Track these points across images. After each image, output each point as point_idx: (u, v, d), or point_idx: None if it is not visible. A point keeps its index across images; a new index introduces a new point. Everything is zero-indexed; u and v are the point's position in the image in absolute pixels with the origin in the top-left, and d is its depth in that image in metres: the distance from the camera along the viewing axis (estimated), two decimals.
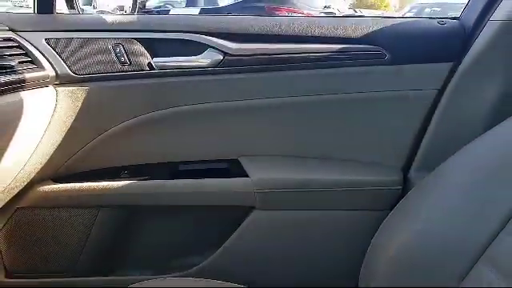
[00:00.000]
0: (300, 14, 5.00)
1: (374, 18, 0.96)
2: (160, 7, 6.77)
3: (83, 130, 0.91)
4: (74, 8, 0.99)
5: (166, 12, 6.26)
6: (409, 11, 8.64)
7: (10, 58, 0.76)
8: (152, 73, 0.88)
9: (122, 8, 1.37)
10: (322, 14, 5.45)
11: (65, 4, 0.98)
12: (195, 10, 5.79)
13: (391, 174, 0.93)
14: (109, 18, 0.91)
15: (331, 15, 4.80)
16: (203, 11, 5.76)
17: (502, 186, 0.62)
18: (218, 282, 0.84)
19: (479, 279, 0.60)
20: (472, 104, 0.88)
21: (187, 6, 6.69)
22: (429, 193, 0.75)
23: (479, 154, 0.70)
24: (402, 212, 0.78)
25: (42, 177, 0.94)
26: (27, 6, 1.19)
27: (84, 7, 1.06)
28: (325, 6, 6.28)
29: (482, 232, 0.62)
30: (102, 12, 1.14)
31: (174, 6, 7.52)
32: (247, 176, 0.93)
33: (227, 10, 5.73)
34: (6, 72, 0.73)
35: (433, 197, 0.74)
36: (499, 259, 0.58)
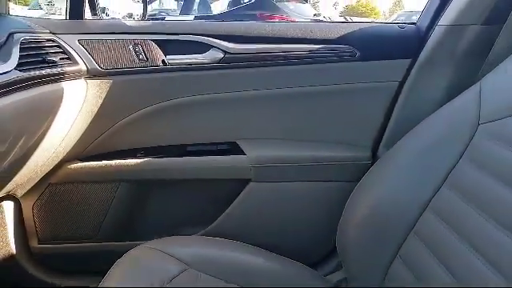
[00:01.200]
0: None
1: (346, 22, 1.15)
2: (155, 15, 6.94)
3: (107, 116, 1.09)
4: (96, 14, 1.18)
5: (162, 19, 6.43)
6: (396, 18, 8.91)
7: (52, 54, 0.94)
8: (165, 68, 1.07)
9: (130, 15, 1.57)
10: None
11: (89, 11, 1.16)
12: (189, 18, 5.98)
13: (362, 151, 1.12)
14: (128, 23, 1.10)
15: (312, 21, 5.02)
16: (197, 19, 5.95)
17: (442, 154, 0.81)
18: (226, 240, 1.03)
19: (426, 225, 0.79)
20: (426, 93, 1.06)
21: (181, 13, 6.87)
22: (388, 165, 0.95)
23: (427, 132, 0.89)
24: (368, 182, 0.97)
25: (70, 157, 1.12)
26: (59, 14, 1.35)
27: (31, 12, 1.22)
28: (314, 14, 6.51)
29: (427, 189, 0.81)
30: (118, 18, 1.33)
31: (168, 14, 7.70)
32: (244, 154, 1.12)
33: (220, 17, 5.93)
34: (50, 66, 0.92)
35: (390, 168, 0.93)
36: (440, 208, 0.77)
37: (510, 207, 0.62)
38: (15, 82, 0.78)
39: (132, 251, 0.92)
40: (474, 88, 0.85)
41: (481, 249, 0.65)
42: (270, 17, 5.16)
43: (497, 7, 0.96)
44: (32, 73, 0.83)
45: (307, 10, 6.47)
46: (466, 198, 0.72)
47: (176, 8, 7.59)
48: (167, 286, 0.82)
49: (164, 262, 0.88)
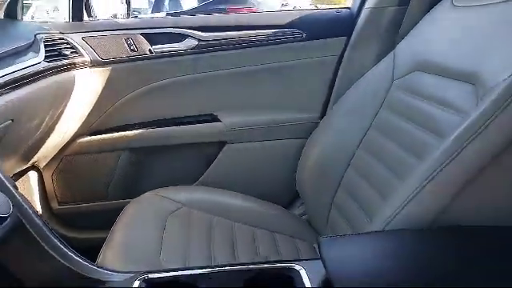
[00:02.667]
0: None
1: (294, 10, 1.44)
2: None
3: (108, 97, 1.35)
4: (91, 16, 1.44)
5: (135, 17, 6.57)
6: None
7: (64, 49, 1.20)
8: (151, 56, 1.34)
9: (115, 15, 1.82)
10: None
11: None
12: (161, 15, 6.17)
13: (313, 113, 1.41)
14: (120, 21, 1.37)
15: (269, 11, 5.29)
16: (169, 15, 6.13)
17: (368, 106, 1.11)
18: (211, 188, 1.31)
19: (359, 159, 1.09)
20: (359, 63, 1.35)
21: (153, 11, 7.03)
22: (329, 120, 1.25)
23: (355, 92, 1.19)
24: (315, 136, 1.27)
25: (80, 133, 1.38)
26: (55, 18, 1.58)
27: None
28: (282, 4, 6.77)
29: (358, 133, 1.11)
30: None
31: (140, 13, 7.84)
32: (221, 122, 1.40)
33: (191, 13, 6.14)
34: (64, 58, 1.18)
35: (331, 122, 1.23)
36: (369, 145, 1.06)
37: (411, 135, 0.91)
38: (43, 71, 1.04)
39: (137, 198, 1.19)
40: (390, 55, 1.15)
41: (393, 168, 0.91)
42: (238, 9, 5.40)
43: None
44: (53, 63, 1.10)
45: (274, 1, 6.73)
46: (385, 135, 1.02)
47: (148, 7, 7.72)
48: (166, 219, 1.08)
49: (163, 203, 1.15)
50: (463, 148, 0.65)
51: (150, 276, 0.75)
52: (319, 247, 0.61)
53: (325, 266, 0.57)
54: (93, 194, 1.43)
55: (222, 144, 1.41)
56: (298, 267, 0.76)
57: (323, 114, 1.41)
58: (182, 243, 0.99)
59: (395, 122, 1.00)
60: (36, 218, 0.70)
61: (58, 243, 0.72)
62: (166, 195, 1.18)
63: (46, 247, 0.70)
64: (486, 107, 0.65)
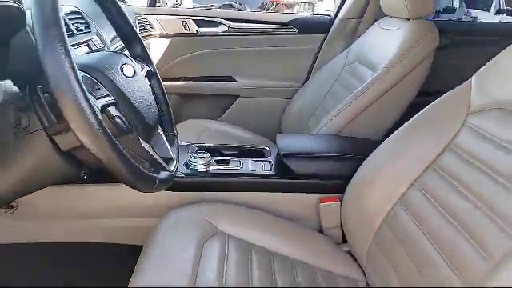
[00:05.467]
0: None
1: (292, 13, 2.17)
2: None
3: (167, 57, 2.09)
4: (158, 2, 2.17)
5: None
6: None
7: (146, 25, 1.94)
8: (196, 34, 2.08)
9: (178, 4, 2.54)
10: None
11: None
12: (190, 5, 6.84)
13: (299, 82, 2.14)
14: (179, 9, 2.10)
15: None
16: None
17: (326, 82, 1.85)
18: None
19: (324, 104, 1.84)
20: (330, 53, 2.06)
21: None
22: (305, 88, 1.98)
23: (323, 71, 1.93)
24: (296, 96, 2.01)
25: None
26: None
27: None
28: None
29: (322, 93, 1.85)
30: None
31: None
32: (236, 81, 2.15)
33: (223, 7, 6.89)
34: (145, 30, 1.92)
35: (306, 88, 1.97)
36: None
37: (354, 88, 1.66)
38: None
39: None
40: (346, 50, 1.87)
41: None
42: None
43: (361, 8, 1.98)
44: (140, 34, 1.84)
45: None
46: (341, 86, 1.78)
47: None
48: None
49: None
50: None
51: None
52: (276, 140, 1.32)
53: (277, 148, 1.27)
54: None
55: (236, 97, 2.16)
56: None
57: (304, 82, 2.14)
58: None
59: (345, 85, 1.71)
60: None
61: None
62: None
63: None
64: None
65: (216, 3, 7.96)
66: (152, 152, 0.78)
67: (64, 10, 1.26)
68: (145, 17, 2.00)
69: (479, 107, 0.88)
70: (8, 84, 0.60)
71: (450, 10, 4.82)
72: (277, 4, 7.75)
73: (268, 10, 8.03)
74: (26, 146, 0.68)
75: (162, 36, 2.04)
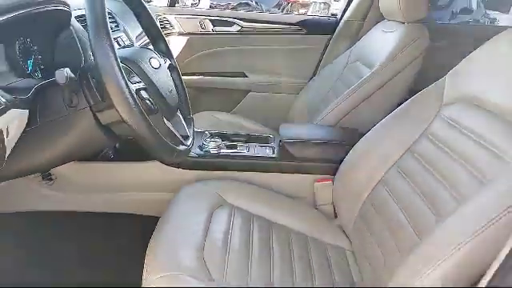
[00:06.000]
0: None
1: (300, 15, 2.34)
2: None
3: (185, 54, 2.28)
4: (178, 2, 2.36)
5: None
6: None
7: (166, 24, 2.13)
8: (212, 33, 2.27)
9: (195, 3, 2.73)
10: None
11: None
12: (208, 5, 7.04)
13: (306, 78, 2.30)
14: (196, 10, 2.29)
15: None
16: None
17: (331, 79, 2.02)
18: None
19: (329, 97, 2.00)
20: (335, 52, 2.22)
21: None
22: (311, 84, 2.15)
23: (328, 69, 2.09)
24: (302, 91, 2.17)
25: None
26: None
27: None
28: None
29: (327, 88, 2.02)
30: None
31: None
32: (247, 77, 2.33)
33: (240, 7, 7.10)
34: (165, 29, 2.11)
35: (311, 85, 2.13)
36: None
37: (352, 80, 1.82)
38: None
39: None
40: (349, 50, 2.03)
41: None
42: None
43: (365, 11, 2.14)
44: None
45: None
46: (341, 82, 1.95)
47: None
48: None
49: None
50: None
51: None
52: (279, 129, 1.49)
53: (280, 135, 1.44)
54: None
55: (247, 91, 2.34)
56: None
57: (310, 79, 2.31)
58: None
59: (345, 82, 1.87)
60: None
61: None
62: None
63: None
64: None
65: (233, 2, 8.27)
66: (173, 129, 0.96)
67: None
68: (165, 16, 2.19)
69: (450, 100, 1.03)
70: (68, 70, 0.79)
71: (467, 11, 4.72)
72: (292, 3, 7.92)
73: (284, 9, 8.23)
74: (74, 121, 0.87)
75: (180, 34, 2.23)
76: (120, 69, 0.76)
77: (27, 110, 0.83)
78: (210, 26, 2.26)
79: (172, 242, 1.01)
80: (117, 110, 0.76)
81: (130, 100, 0.76)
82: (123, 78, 0.76)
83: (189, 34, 2.26)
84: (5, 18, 0.79)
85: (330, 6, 7.68)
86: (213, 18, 2.27)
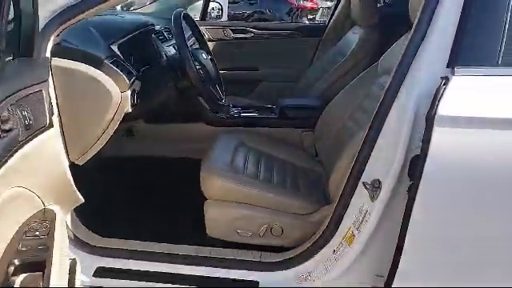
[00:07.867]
0: None
1: (294, 22, 3.12)
2: None
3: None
4: (207, 16, 3.16)
5: None
6: None
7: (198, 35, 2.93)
8: (232, 39, 3.07)
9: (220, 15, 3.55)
10: None
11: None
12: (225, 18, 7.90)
13: (303, 71, 3.07)
14: (219, 22, 3.09)
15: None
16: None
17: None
18: None
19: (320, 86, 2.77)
20: (326, 49, 2.98)
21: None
22: (306, 74, 2.92)
23: (318, 63, 2.87)
24: (303, 78, 2.96)
25: None
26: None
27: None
28: None
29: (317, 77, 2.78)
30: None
31: None
32: (259, 70, 3.11)
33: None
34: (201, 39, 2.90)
35: (308, 74, 2.91)
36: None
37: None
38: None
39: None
40: (334, 48, 2.79)
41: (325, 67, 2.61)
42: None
43: (344, 17, 2.90)
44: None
45: None
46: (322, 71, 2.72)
47: None
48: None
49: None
50: None
51: None
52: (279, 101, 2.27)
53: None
54: None
55: (259, 81, 3.12)
56: None
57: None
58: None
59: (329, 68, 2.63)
60: None
61: None
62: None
63: None
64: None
65: (248, 10, 9.11)
66: (215, 93, 1.76)
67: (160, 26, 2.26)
68: (200, 28, 2.98)
69: (380, 72, 1.72)
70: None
71: None
72: (302, 10, 8.78)
73: (294, 14, 9.04)
74: (168, 93, 1.69)
75: (209, 40, 3.02)
76: (193, 62, 1.56)
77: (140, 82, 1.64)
78: (230, 34, 3.06)
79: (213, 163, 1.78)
80: (191, 79, 1.57)
81: (197, 74, 1.57)
82: (194, 66, 1.58)
83: (215, 39, 3.06)
84: (130, 36, 1.60)
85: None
86: (233, 27, 3.08)
